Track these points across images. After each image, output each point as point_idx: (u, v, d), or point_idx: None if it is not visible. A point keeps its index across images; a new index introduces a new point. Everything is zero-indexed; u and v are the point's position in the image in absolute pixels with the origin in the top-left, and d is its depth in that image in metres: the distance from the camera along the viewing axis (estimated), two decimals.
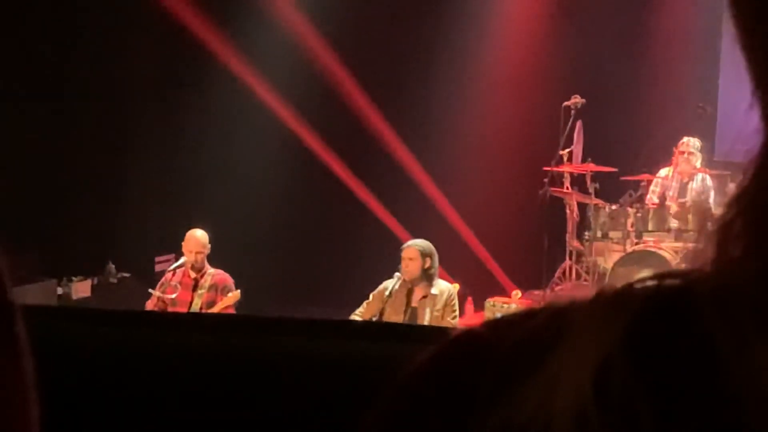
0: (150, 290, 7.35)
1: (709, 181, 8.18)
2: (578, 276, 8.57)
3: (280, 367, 1.61)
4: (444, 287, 6.54)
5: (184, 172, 9.50)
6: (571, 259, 8.62)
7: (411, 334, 1.76)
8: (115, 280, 8.52)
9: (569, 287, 8.53)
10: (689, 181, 8.26)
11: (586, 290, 8.51)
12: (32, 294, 7.32)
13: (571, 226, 8.65)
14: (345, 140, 9.36)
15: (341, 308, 8.18)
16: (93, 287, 8.29)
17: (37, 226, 8.08)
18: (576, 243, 8.60)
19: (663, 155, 8.39)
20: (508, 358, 0.48)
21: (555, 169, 8.53)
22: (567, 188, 8.62)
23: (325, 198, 9.55)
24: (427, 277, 6.48)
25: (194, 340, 1.68)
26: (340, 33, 9.32)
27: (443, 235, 9.13)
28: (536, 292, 8.50)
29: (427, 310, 6.44)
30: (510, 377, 0.47)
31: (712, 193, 8.10)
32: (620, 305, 0.47)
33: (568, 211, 8.66)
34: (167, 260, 7.84)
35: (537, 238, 8.44)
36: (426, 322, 6.34)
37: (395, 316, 6.50)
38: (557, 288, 8.61)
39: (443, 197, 9.48)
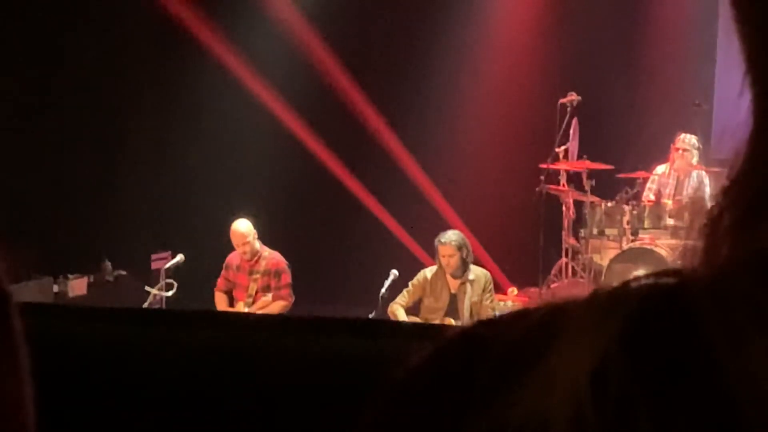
0: (146, 287, 7.36)
1: (705, 178, 8.18)
2: (574, 273, 8.57)
3: (277, 364, 1.61)
4: (480, 273, 6.84)
5: (179, 170, 9.49)
6: (567, 256, 8.61)
7: (409, 331, 1.76)
8: (111, 278, 8.51)
9: (565, 284, 8.53)
10: (686, 178, 8.26)
11: (581, 287, 8.54)
12: (28, 291, 7.31)
13: (567, 224, 8.65)
14: (340, 136, 9.35)
15: (336, 303, 8.19)
16: (89, 285, 8.28)
17: (34, 224, 8.07)
18: (572, 240, 8.60)
19: (659, 152, 8.39)
20: (503, 357, 0.47)
21: (551, 166, 8.52)
22: (563, 185, 8.61)
23: (319, 194, 9.55)
24: (463, 266, 6.75)
25: (190, 338, 1.68)
26: (334, 26, 9.32)
27: (439, 232, 9.13)
28: (532, 289, 8.50)
29: (467, 296, 6.70)
30: (506, 377, 0.47)
31: (708, 190, 8.11)
32: (616, 304, 0.47)
33: (564, 208, 8.66)
34: (163, 258, 7.83)
35: (533, 236, 8.44)
36: (466, 307, 6.67)
37: (435, 303, 6.77)
38: (553, 285, 8.61)
39: (439, 194, 9.47)
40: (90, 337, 1.69)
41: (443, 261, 6.75)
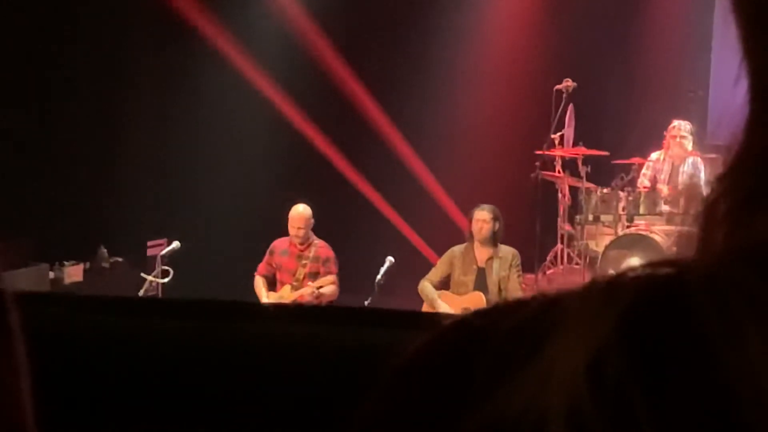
0: (142, 274, 7.35)
1: (700, 165, 8.18)
2: (570, 259, 8.58)
3: (270, 353, 1.61)
4: (507, 250, 7.11)
5: (176, 157, 9.47)
6: (562, 242, 8.62)
7: (403, 320, 1.76)
8: (107, 265, 8.50)
9: (561, 271, 8.54)
10: (681, 165, 8.27)
11: (577, 274, 8.53)
12: (25, 278, 7.30)
13: (562, 210, 8.66)
14: (337, 123, 9.35)
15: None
16: (85, 272, 8.27)
17: (30, 211, 8.06)
18: (567, 226, 8.61)
19: (655, 139, 8.39)
20: (500, 348, 0.47)
21: (546, 152, 8.52)
22: (558, 172, 8.62)
23: (316, 181, 9.53)
24: (494, 238, 7.03)
25: (187, 326, 1.68)
26: (332, 18, 9.30)
27: (435, 218, 9.14)
28: (528, 275, 8.51)
29: (494, 271, 6.98)
30: (502, 368, 0.46)
31: (703, 176, 8.12)
32: (613, 294, 0.47)
33: (559, 194, 8.66)
34: (159, 245, 7.82)
35: (528, 222, 8.44)
36: (494, 282, 6.96)
37: (463, 276, 7.03)
38: (549, 272, 8.62)
39: (435, 180, 9.48)
40: (87, 326, 1.69)
41: (476, 226, 7.02)
